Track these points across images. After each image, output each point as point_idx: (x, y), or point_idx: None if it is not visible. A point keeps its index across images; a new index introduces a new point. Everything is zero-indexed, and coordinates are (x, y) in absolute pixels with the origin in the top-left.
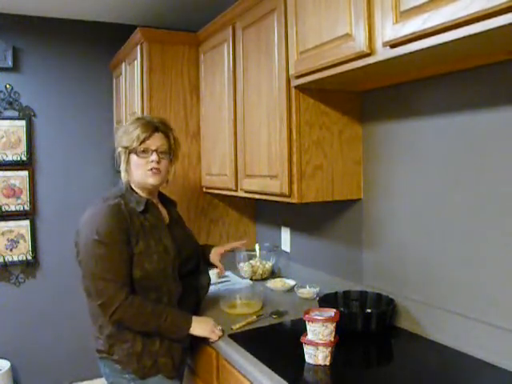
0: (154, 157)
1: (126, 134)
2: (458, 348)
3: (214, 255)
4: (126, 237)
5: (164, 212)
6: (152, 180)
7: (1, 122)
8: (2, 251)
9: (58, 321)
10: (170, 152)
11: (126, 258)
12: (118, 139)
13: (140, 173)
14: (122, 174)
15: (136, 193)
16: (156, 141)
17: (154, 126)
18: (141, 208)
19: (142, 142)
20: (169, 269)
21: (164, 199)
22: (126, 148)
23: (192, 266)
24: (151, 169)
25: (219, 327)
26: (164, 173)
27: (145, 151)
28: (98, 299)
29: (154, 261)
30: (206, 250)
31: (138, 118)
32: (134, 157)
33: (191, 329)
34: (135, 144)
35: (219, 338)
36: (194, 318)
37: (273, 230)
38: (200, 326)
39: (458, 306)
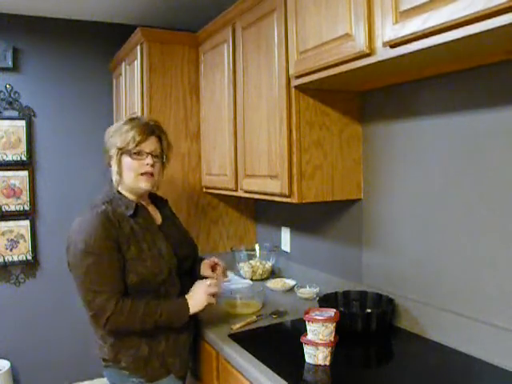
0: (149, 160)
1: (120, 134)
2: (458, 348)
3: (204, 269)
4: (116, 244)
5: (156, 213)
6: (144, 185)
7: (1, 122)
8: (2, 251)
9: (58, 321)
10: (163, 156)
11: (116, 266)
12: (109, 139)
13: (132, 176)
14: (114, 176)
15: (125, 196)
16: (151, 144)
17: (150, 128)
18: (130, 212)
19: (138, 144)
20: (165, 271)
21: (154, 199)
22: (119, 149)
23: (190, 263)
24: (144, 173)
25: (210, 286)
26: (157, 177)
27: (139, 153)
28: (88, 311)
29: (148, 265)
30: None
31: (133, 119)
32: (127, 158)
33: (190, 310)
34: (130, 146)
35: (216, 293)
36: (188, 297)
37: (273, 230)
38: (196, 302)
39: (458, 305)
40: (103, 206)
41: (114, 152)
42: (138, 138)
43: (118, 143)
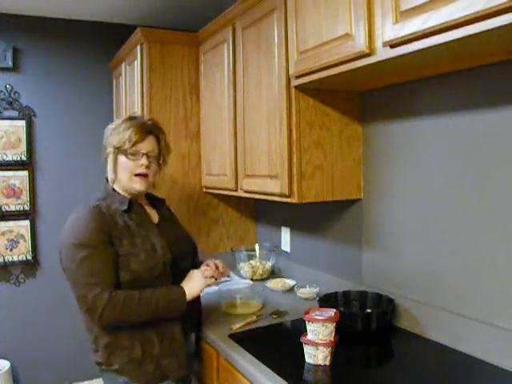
0: (144, 161)
1: (117, 133)
2: (458, 348)
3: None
4: (108, 238)
5: (152, 212)
6: (138, 186)
7: (1, 122)
8: (2, 251)
9: (58, 321)
10: (160, 157)
11: (110, 259)
12: (107, 137)
13: (127, 176)
14: (109, 174)
15: (119, 193)
16: (148, 144)
17: (148, 128)
18: (124, 207)
19: (134, 144)
20: (159, 267)
21: (151, 199)
22: (115, 148)
23: (190, 261)
24: (139, 174)
25: (205, 271)
26: (151, 178)
27: (135, 153)
28: (83, 305)
29: (142, 260)
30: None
31: (132, 118)
32: (122, 158)
33: (187, 295)
34: (126, 145)
35: (213, 277)
36: (184, 284)
37: (273, 229)
38: (193, 286)
39: (458, 305)
40: (97, 202)
41: (110, 150)
42: (134, 138)
43: (114, 142)
